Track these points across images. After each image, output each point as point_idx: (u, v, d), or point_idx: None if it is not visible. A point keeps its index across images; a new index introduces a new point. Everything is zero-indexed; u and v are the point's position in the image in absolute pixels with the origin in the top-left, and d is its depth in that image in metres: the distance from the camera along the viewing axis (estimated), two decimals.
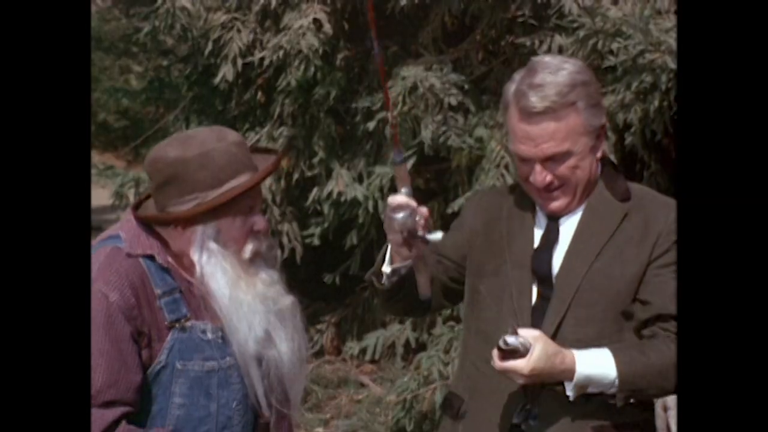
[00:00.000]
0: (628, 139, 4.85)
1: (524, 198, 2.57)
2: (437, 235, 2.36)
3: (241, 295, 2.36)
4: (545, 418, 2.42)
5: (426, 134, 5.47)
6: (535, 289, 2.48)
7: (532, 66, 2.45)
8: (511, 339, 2.30)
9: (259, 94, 6.54)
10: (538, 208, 2.55)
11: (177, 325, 2.34)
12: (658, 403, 4.58)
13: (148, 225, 2.39)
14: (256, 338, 2.37)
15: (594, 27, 4.90)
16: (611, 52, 4.81)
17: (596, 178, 2.50)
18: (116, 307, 2.26)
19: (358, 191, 5.90)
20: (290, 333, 2.43)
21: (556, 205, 2.47)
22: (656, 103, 4.64)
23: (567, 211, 2.50)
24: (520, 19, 5.61)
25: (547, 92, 2.37)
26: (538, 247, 2.50)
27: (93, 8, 13.78)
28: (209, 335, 2.38)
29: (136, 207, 2.45)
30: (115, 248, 2.34)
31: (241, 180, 2.34)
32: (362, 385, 6.18)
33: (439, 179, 6.12)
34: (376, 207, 5.87)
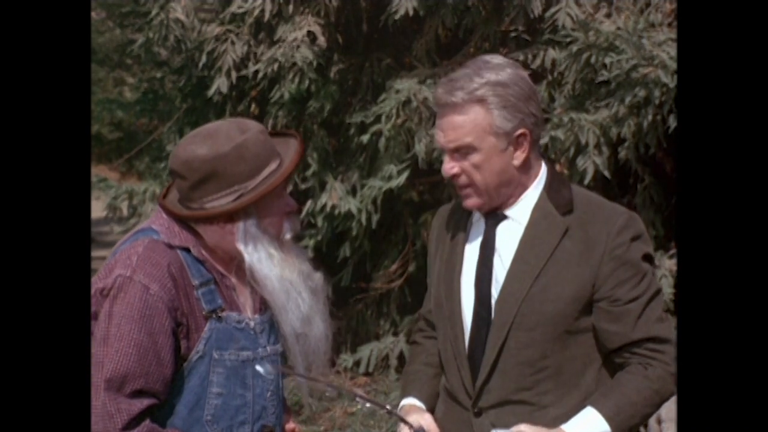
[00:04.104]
0: (622, 153, 4.85)
1: (460, 207, 2.58)
2: None
3: (288, 274, 2.41)
4: None
5: (419, 147, 5.48)
6: (471, 310, 2.49)
7: (472, 61, 2.48)
8: None
9: (253, 106, 6.55)
10: (473, 211, 2.55)
11: (214, 316, 2.36)
12: (652, 417, 4.58)
13: (179, 219, 2.41)
14: (301, 317, 2.43)
15: (587, 41, 4.91)
16: (605, 66, 4.82)
17: (515, 182, 2.46)
18: (157, 299, 2.29)
19: (352, 204, 5.91)
20: (323, 309, 2.49)
21: (469, 202, 2.47)
22: (650, 117, 4.65)
23: (485, 208, 2.48)
24: (514, 33, 5.63)
25: (454, 86, 2.40)
26: (478, 264, 2.50)
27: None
28: (243, 325, 2.41)
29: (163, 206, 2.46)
30: (152, 240, 2.36)
31: (273, 166, 2.38)
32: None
33: (432, 192, 6.13)
34: (369, 219, 5.88)
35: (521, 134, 2.40)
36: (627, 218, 2.43)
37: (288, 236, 2.44)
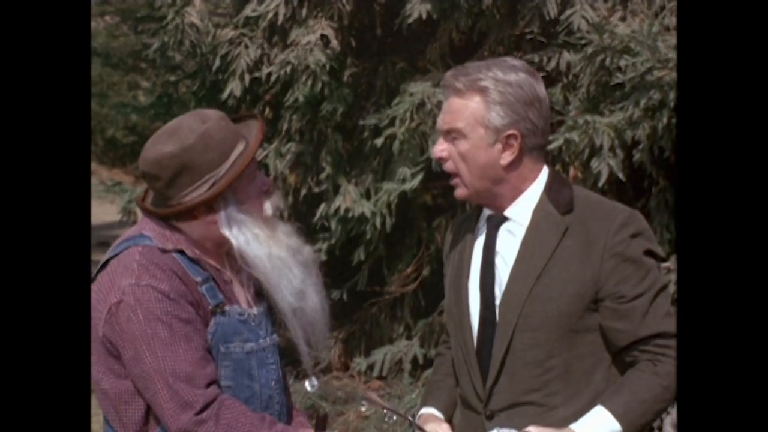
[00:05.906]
0: (637, 156, 4.84)
1: (471, 215, 2.61)
2: None
3: (276, 251, 2.45)
4: None
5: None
6: (478, 314, 2.50)
7: (493, 59, 2.54)
8: None
9: (267, 109, 6.56)
10: (480, 216, 2.57)
11: (218, 310, 2.40)
12: (667, 421, 4.56)
13: (165, 221, 2.43)
14: (293, 292, 2.47)
15: (602, 44, 4.90)
16: (619, 69, 4.81)
17: (504, 182, 2.47)
18: (169, 294, 2.32)
19: (366, 207, 5.90)
20: (316, 282, 2.54)
21: (457, 192, 2.51)
22: (664, 120, 4.63)
23: (474, 200, 2.52)
24: (529, 36, 5.62)
25: (462, 73, 2.45)
26: (482, 268, 2.52)
27: (102, 24, 13.84)
28: (245, 317, 2.46)
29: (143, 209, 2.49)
30: (146, 246, 2.39)
31: (240, 148, 2.42)
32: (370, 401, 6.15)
33: (446, 195, 6.12)
34: (383, 223, 5.87)
35: (511, 135, 2.43)
36: (627, 216, 2.44)
37: (269, 213, 2.47)
